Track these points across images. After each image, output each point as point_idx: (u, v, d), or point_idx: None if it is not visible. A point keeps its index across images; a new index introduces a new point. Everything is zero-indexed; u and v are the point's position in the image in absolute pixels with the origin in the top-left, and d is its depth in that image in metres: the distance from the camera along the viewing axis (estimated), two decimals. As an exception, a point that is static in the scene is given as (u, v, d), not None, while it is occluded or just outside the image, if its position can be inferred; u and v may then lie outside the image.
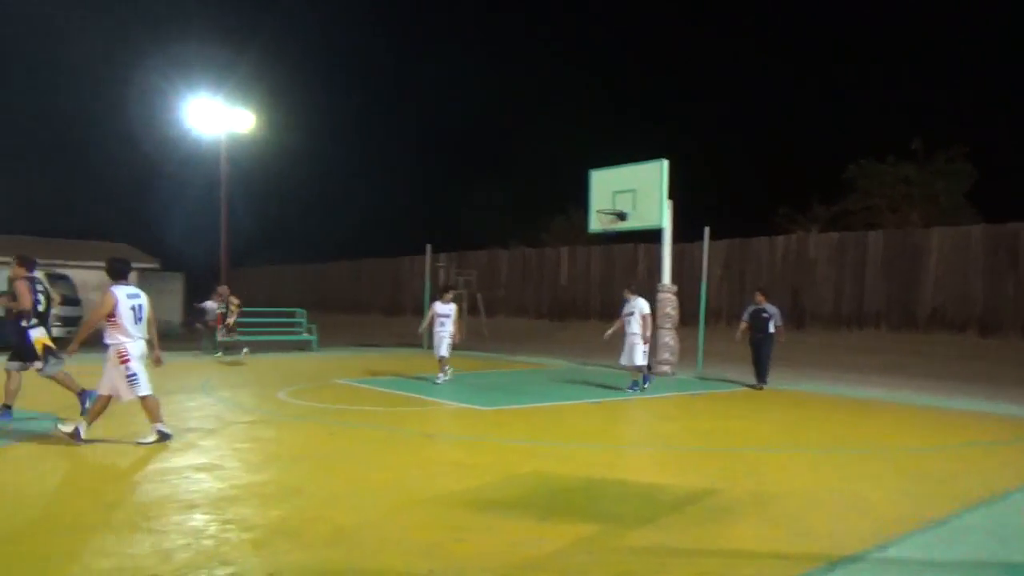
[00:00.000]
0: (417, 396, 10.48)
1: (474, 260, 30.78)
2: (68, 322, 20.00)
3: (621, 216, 15.13)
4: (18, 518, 4.61)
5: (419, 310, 27.05)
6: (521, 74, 62.75)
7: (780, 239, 23.86)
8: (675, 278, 15.39)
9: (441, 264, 24.99)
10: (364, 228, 49.16)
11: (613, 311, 27.01)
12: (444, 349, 12.28)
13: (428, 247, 21.81)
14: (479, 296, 26.70)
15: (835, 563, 4.03)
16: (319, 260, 41.52)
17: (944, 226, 21.48)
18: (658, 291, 15.14)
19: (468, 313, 23.32)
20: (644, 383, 11.72)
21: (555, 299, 28.76)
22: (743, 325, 12.52)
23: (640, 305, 11.67)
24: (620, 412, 9.93)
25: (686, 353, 15.41)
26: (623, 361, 11.78)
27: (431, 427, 8.38)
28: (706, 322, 16.21)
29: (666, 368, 14.64)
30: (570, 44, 62.30)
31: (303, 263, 42.54)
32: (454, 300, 12.98)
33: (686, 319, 17.27)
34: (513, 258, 31.11)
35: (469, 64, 67.28)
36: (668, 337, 14.77)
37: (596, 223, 15.82)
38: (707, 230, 15.63)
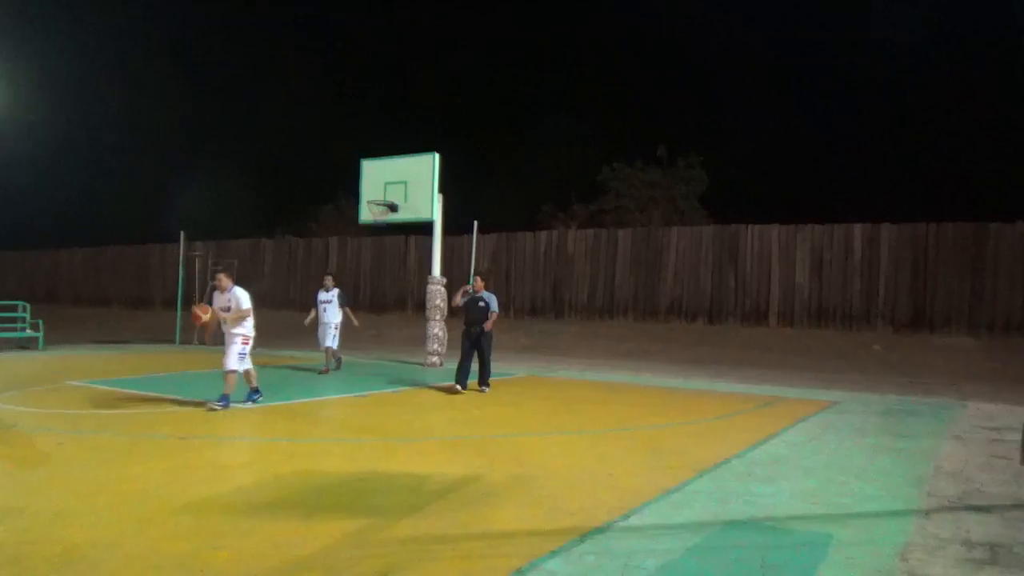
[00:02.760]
0: (170, 396, 9.64)
1: (235, 249, 28.97)
2: None
3: (392, 208, 15.09)
4: None
5: (171, 302, 24.89)
6: (294, 52, 59.90)
7: (543, 234, 25.24)
8: (445, 270, 15.68)
9: (198, 253, 23.18)
10: (104, 213, 44.05)
11: (383, 302, 26.89)
12: (329, 339, 12.84)
13: (182, 234, 20.17)
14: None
15: (585, 535, 4.37)
16: (48, 247, 36.58)
17: (681, 226, 24.07)
18: (428, 283, 15.34)
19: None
20: (332, 365, 13.22)
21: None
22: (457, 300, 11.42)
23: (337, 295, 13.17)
24: (386, 405, 9.92)
25: (454, 344, 15.78)
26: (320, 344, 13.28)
27: (184, 429, 7.75)
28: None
29: (435, 359, 14.89)
30: (338, 28, 60.69)
31: (26, 250, 37.21)
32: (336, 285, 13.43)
33: (455, 310, 17.69)
34: (278, 248, 29.75)
35: (238, 37, 62.88)
36: (437, 328, 15.02)
37: (367, 214, 15.63)
38: (476, 224, 16.13)
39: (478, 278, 11.03)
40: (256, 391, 9.22)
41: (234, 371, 8.81)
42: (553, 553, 4.05)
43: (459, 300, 11.41)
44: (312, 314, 13.36)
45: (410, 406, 9.92)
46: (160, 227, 30.55)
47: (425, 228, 16.21)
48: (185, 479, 5.65)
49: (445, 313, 15.19)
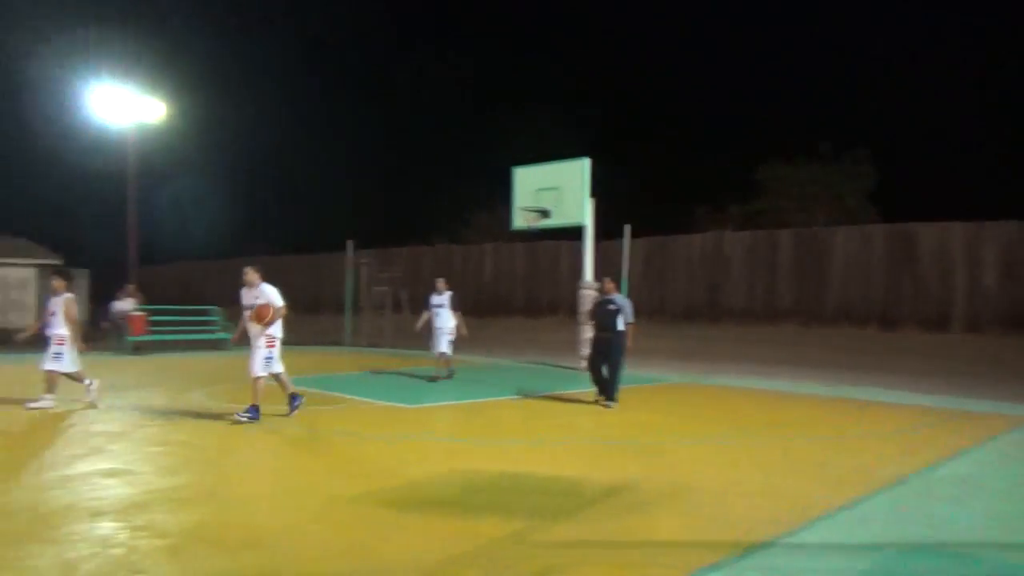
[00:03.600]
0: (338, 394, 10.30)
1: (397, 257, 30.48)
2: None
3: (544, 213, 15.27)
4: (-96, 532, 4.29)
5: (341, 308, 26.58)
6: (444, 67, 62.43)
7: (698, 237, 24.58)
8: (597, 275, 15.64)
9: (364, 261, 24.62)
10: (284, 225, 47.98)
11: (538, 307, 27.25)
12: (443, 345, 12.05)
13: (350, 244, 21.49)
14: (402, 294, 26.46)
15: (748, 550, 4.19)
16: (237, 256, 40.27)
17: (848, 225, 22.57)
18: (579, 287, 15.37)
19: (392, 311, 23.06)
20: (447, 375, 12.35)
21: (479, 296, 28.78)
22: (588, 320, 10.49)
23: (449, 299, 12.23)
24: (540, 407, 10.03)
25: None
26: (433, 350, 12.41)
27: (352, 426, 8.25)
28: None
29: (583, 363, 14.87)
30: (489, 41, 62.39)
31: (220, 259, 41.15)
32: (449, 289, 12.55)
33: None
34: (437, 254, 30.97)
35: (392, 57, 66.46)
36: (590, 332, 15.00)
37: (520, 220, 15.92)
38: (627, 228, 15.97)
39: (607, 280, 10.18)
40: (295, 396, 8.43)
41: (261, 377, 8.07)
42: (714, 567, 3.92)
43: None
44: (424, 318, 12.70)
45: (563, 410, 9.98)
46: (330, 236, 32.71)
47: (577, 233, 16.27)
48: (354, 473, 6.01)
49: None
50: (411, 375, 13.68)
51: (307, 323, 30.62)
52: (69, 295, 8.94)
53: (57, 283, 8.87)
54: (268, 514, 4.75)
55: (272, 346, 8.09)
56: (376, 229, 35.52)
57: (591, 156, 14.66)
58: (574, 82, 56.22)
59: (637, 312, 10.46)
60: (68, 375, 8.93)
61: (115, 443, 6.91)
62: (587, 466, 6.42)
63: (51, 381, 8.76)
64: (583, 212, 14.73)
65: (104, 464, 6.03)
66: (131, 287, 19.00)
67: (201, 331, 19.72)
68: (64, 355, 8.81)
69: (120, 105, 22.44)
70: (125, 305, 18.08)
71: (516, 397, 10.81)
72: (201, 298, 29.23)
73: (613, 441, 7.75)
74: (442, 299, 12.26)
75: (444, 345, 12.07)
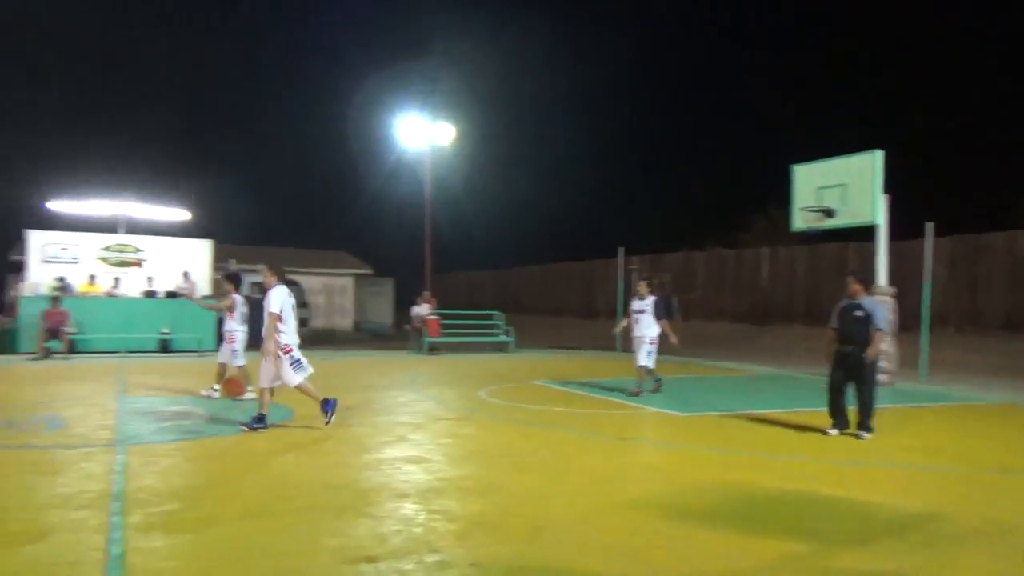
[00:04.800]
0: (611, 399, 10.48)
1: (668, 262, 30.21)
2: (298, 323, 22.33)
3: (828, 213, 14.14)
4: (258, 497, 5.22)
5: (613, 313, 27.01)
6: (715, 65, 60.70)
7: (1020, 234, 21.03)
8: (893, 279, 14.11)
9: (634, 267, 24.80)
10: (557, 232, 50.10)
11: (819, 315, 25.26)
12: (643, 356, 10.76)
13: (621, 250, 21.77)
14: (674, 299, 26.18)
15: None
16: (516, 264, 42.88)
17: None
18: (871, 293, 13.95)
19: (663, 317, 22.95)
20: (646, 387, 10.97)
21: (755, 302, 27.45)
22: (830, 332, 8.19)
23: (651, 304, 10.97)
24: (823, 422, 9.27)
25: (907, 361, 14.08)
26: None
27: (626, 431, 8.36)
28: (930, 327, 14.71)
29: (884, 377, 13.45)
30: (768, 30, 59.27)
31: (500, 268, 44.12)
32: (652, 292, 11.17)
33: (908, 324, 15.77)
34: (709, 259, 30.14)
35: (658, 58, 66.16)
36: (886, 343, 13.56)
37: (800, 221, 14.91)
38: (930, 226, 14.19)
39: (852, 280, 8.07)
40: (327, 402, 7.79)
41: (297, 384, 7.71)
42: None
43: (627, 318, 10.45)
44: (624, 323, 11.67)
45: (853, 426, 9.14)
46: (602, 243, 33.44)
47: (865, 234, 14.81)
48: (626, 477, 6.09)
49: (895, 327, 13.65)
50: (678, 382, 13.49)
51: (580, 329, 31.55)
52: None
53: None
54: (546, 510, 4.99)
55: (289, 352, 7.63)
56: (646, 235, 35.60)
57: (877, 147, 13.27)
58: (853, 72, 51.34)
59: (942, 321, 9.01)
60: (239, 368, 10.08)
61: (415, 433, 7.75)
62: (880, 490, 5.81)
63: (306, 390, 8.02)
64: (875, 210, 13.38)
65: (407, 451, 6.79)
66: (427, 293, 21.14)
67: (486, 334, 21.31)
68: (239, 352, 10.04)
69: (418, 131, 25.18)
70: (422, 310, 20.15)
71: (794, 410, 10.13)
72: (483, 304, 31.53)
73: (914, 465, 6.93)
74: (644, 304, 10.95)
75: (643, 356, 10.80)
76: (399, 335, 27.04)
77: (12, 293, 18.70)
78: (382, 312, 33.96)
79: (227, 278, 10.59)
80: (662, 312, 11.01)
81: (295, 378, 7.65)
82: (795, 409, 10.21)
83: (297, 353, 7.68)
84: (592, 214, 53.65)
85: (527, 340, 22.41)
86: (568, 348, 21.99)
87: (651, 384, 11.00)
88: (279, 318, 7.57)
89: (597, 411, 9.59)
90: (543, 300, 39.59)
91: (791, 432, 8.47)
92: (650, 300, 10.95)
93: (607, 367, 15.99)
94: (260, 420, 7.61)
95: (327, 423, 7.69)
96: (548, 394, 11.15)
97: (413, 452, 6.78)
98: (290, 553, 4.04)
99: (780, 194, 15.68)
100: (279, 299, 7.62)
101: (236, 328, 10.15)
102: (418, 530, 4.46)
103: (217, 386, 10.11)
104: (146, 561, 3.84)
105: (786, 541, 4.41)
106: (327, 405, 7.74)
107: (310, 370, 7.80)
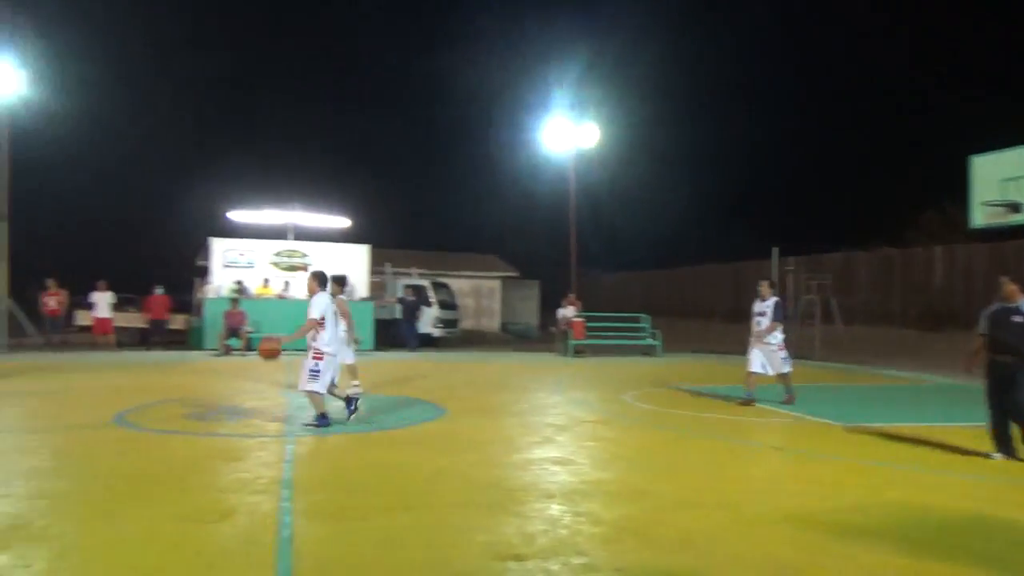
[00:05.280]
0: (762, 406, 10.05)
1: (827, 263, 28.51)
2: (447, 324, 23.13)
3: (1014, 208, 12.82)
4: (413, 490, 5.46)
5: (765, 316, 25.83)
6: (878, 48, 56.53)
7: None
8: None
9: (790, 268, 23.63)
10: (706, 233, 48.68)
11: (1004, 320, 22.88)
12: (779, 363, 10.06)
13: (775, 251, 20.83)
14: (833, 302, 24.68)
15: None
16: (662, 266, 42.11)
17: None
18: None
19: (821, 321, 21.69)
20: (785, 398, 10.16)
21: (926, 305, 25.32)
22: (979, 339, 7.17)
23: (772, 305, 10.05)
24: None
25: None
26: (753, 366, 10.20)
27: (779, 440, 7.99)
28: None
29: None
30: (937, 17, 54.50)
31: (646, 270, 43.49)
32: (774, 293, 10.38)
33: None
34: (873, 260, 28.15)
35: (815, 47, 62.62)
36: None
37: (981, 217, 13.62)
38: None
39: (1006, 281, 7.05)
40: (350, 400, 8.15)
41: (311, 391, 7.80)
42: None
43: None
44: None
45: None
46: (754, 243, 32.16)
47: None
48: (781, 489, 5.81)
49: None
50: (838, 390, 12.70)
51: (730, 333, 30.48)
52: (341, 297, 9.43)
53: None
54: (695, 518, 4.87)
55: (319, 359, 7.74)
56: (803, 234, 33.79)
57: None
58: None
59: None
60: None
61: (561, 435, 7.81)
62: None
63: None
64: (1071, 203, 11.97)
65: (553, 452, 6.86)
66: (572, 295, 21.21)
67: (632, 337, 21.09)
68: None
69: (563, 133, 25.35)
70: (568, 312, 20.25)
71: (965, 424, 9.24)
72: (629, 307, 31.20)
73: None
74: (765, 306, 10.17)
75: (780, 363, 10.10)
76: (545, 337, 27.34)
77: (198, 295, 20.71)
78: (528, 314, 34.48)
79: (315, 277, 10.88)
80: (780, 314, 10.23)
81: (306, 384, 7.74)
82: (967, 424, 9.33)
83: (324, 363, 7.76)
84: (744, 213, 51.64)
85: (673, 343, 21.93)
86: (716, 352, 21.30)
87: (786, 394, 10.27)
88: (320, 324, 7.74)
89: (748, 418, 9.22)
90: (690, 303, 38.62)
91: (961, 448, 7.74)
92: (771, 301, 10.19)
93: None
94: (323, 419, 7.84)
95: (348, 419, 8.02)
96: (696, 399, 10.86)
97: (559, 453, 6.83)
98: (443, 546, 4.20)
99: (954, 188, 14.40)
100: (320, 306, 7.79)
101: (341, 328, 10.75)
102: (564, 531, 4.50)
103: (357, 382, 10.74)
104: (312, 546, 4.13)
105: (959, 567, 4.03)
106: (350, 404, 8.11)
107: (324, 384, 7.81)
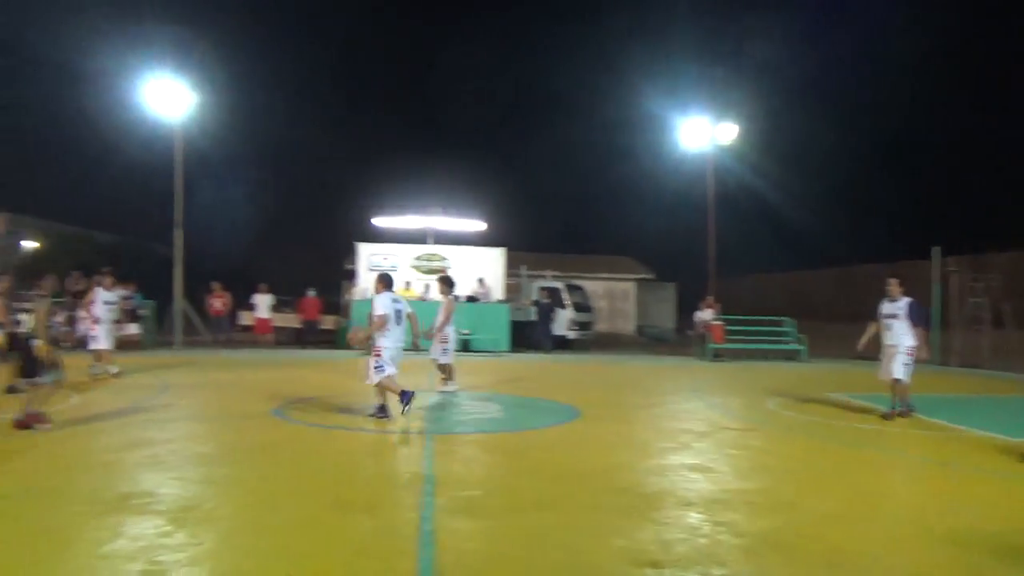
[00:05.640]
0: (922, 417, 9.30)
1: (995, 263, 26.01)
2: (582, 326, 23.12)
3: None
4: (549, 491, 5.50)
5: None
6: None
7: None
8: None
9: (952, 269, 21.77)
10: (857, 232, 45.74)
11: None
12: (898, 368, 9.09)
13: (936, 250, 19.29)
14: (1005, 307, 22.47)
15: None
16: (807, 267, 40.02)
17: None
18: None
19: (992, 326, 19.82)
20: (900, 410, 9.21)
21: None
22: None
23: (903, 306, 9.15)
24: None
25: None
26: (881, 375, 9.38)
27: (942, 453, 7.36)
28: None
29: None
30: None
31: (790, 271, 41.49)
32: (904, 294, 9.41)
33: None
34: (1053, 259, 25.37)
35: (979, 30, 57.26)
36: None
37: None
38: None
39: None
40: (405, 394, 8.25)
41: (380, 380, 8.30)
42: None
43: None
44: (871, 331, 9.64)
45: None
46: (911, 243, 29.89)
47: None
48: (940, 506, 5.37)
49: None
50: (1011, 403, 11.53)
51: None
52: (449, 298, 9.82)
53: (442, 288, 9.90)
54: (847, 535, 4.58)
55: (379, 355, 8.30)
56: (968, 233, 31.01)
57: None
58: None
59: None
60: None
61: (699, 441, 7.59)
62: None
63: None
64: None
65: (691, 459, 6.68)
66: (710, 298, 20.60)
67: (775, 341, 20.19)
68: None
69: (700, 131, 24.68)
70: (706, 315, 19.68)
71: None
72: (771, 309, 29.90)
73: None
74: (896, 307, 9.27)
75: (898, 368, 9.05)
76: (681, 340, 26.70)
77: (346, 297, 21.89)
78: (664, 317, 33.81)
79: (379, 279, 10.92)
80: (918, 318, 9.26)
81: (373, 377, 8.33)
82: None
83: (385, 357, 8.30)
84: (900, 210, 48.05)
85: (820, 348, 20.76)
86: (867, 359, 19.99)
87: (900, 405, 9.29)
88: (383, 322, 8.28)
89: (905, 429, 8.57)
90: (838, 305, 36.42)
91: None
92: (904, 302, 9.26)
93: (924, 383, 14.24)
94: (382, 410, 8.36)
95: (403, 412, 8.27)
96: (846, 408, 10.22)
97: (697, 460, 6.65)
98: (579, 549, 4.20)
99: None
100: (383, 305, 8.38)
101: (448, 328, 11.07)
102: (703, 540, 4.37)
103: (452, 382, 10.97)
104: (453, 540, 4.26)
105: None
106: (405, 396, 8.25)
107: (387, 372, 8.29)
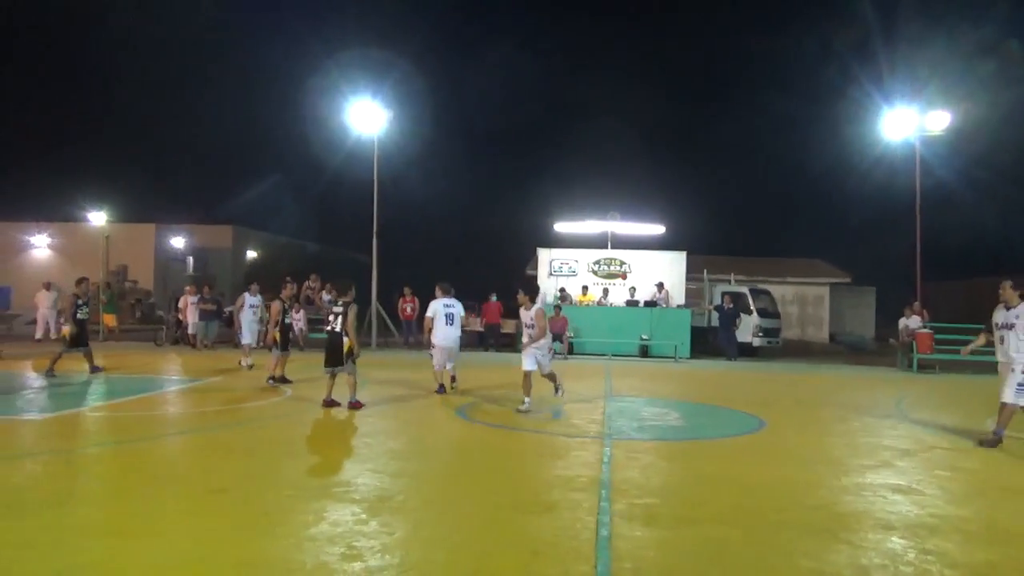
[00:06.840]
0: None
1: None
2: (768, 333, 21.99)
3: None
4: (730, 504, 5.26)
5: None
6: None
7: None
8: None
9: None
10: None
11: None
12: (1011, 391, 7.77)
13: None
14: None
15: None
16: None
17: None
18: None
19: None
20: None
21: None
22: None
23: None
24: None
25: None
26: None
27: None
28: None
29: None
30: None
31: (1014, 273, 36.86)
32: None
33: None
34: None
35: None
36: None
37: None
38: None
39: None
40: (441, 387, 10.76)
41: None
42: None
43: None
44: (979, 341, 8.69)
45: None
46: None
47: None
48: None
49: None
50: None
51: None
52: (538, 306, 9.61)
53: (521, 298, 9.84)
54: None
55: (431, 350, 10.93)
56: None
57: None
58: None
59: None
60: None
61: (903, 460, 6.95)
62: None
63: None
64: None
65: (892, 479, 6.13)
66: (917, 304, 18.80)
67: (993, 352, 17.99)
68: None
69: (904, 121, 22.55)
70: (912, 322, 18.00)
71: None
72: (988, 316, 26.70)
73: None
74: (1013, 316, 7.93)
75: (1011, 392, 7.71)
76: (882, 350, 24.56)
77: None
78: (862, 324, 31.32)
79: (439, 286, 11.24)
80: None
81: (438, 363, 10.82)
82: None
83: (436, 352, 10.76)
84: None
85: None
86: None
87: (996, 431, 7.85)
88: (430, 323, 10.69)
89: None
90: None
91: None
92: (1021, 309, 7.86)
93: None
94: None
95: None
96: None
97: (900, 480, 6.09)
98: (764, 567, 3.99)
99: None
100: (433, 308, 10.74)
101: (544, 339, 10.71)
102: (908, 569, 3.99)
103: (560, 385, 10.65)
104: (629, 547, 4.21)
105: None
106: (441, 390, 10.66)
107: (437, 363, 10.79)
